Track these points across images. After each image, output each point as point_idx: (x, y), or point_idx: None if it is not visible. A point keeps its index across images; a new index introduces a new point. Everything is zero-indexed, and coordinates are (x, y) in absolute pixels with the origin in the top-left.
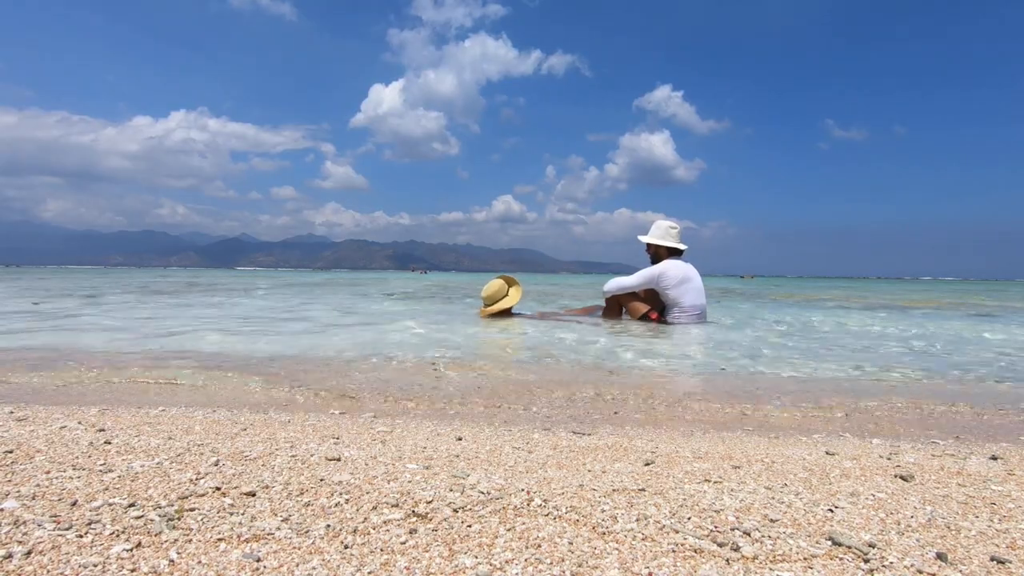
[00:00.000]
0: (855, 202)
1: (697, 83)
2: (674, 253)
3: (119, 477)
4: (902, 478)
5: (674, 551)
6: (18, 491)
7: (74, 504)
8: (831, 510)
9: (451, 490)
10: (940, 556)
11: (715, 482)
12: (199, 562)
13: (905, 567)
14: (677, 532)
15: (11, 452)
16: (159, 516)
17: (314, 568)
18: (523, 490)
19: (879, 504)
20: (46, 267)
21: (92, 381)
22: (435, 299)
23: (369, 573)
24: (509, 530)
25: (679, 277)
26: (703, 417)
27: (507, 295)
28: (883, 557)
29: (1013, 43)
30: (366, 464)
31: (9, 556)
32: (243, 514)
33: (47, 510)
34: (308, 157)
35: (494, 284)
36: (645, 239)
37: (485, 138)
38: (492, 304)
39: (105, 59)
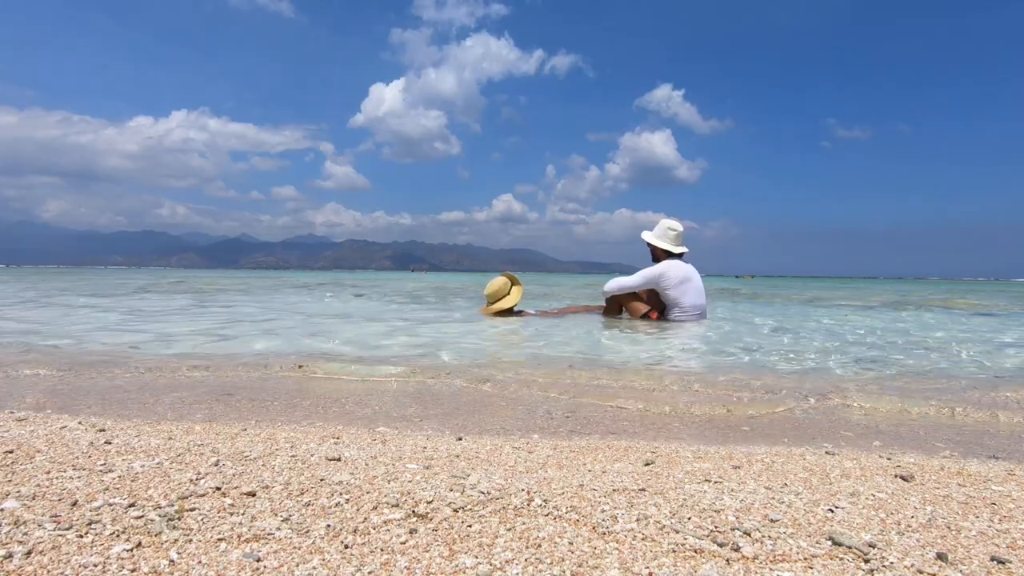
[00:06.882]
0: (858, 201)
1: (698, 82)
2: (674, 254)
3: (119, 477)
4: (902, 478)
5: (674, 551)
6: (18, 491)
7: (74, 504)
8: (831, 510)
9: (451, 490)
10: (940, 556)
11: (715, 482)
12: (199, 562)
13: (905, 567)
14: (677, 532)
15: (11, 452)
16: (159, 516)
17: (314, 568)
18: (523, 490)
19: (879, 504)
20: (47, 267)
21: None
22: (435, 299)
23: (369, 573)
24: (509, 530)
25: (679, 277)
26: (703, 417)
27: (509, 294)
28: (883, 557)
29: (1017, 40)
30: (366, 464)
31: (9, 556)
32: (243, 514)
33: (47, 510)
34: (308, 157)
35: (497, 282)
36: (645, 236)
37: (486, 137)
38: (495, 302)
39: (105, 59)
